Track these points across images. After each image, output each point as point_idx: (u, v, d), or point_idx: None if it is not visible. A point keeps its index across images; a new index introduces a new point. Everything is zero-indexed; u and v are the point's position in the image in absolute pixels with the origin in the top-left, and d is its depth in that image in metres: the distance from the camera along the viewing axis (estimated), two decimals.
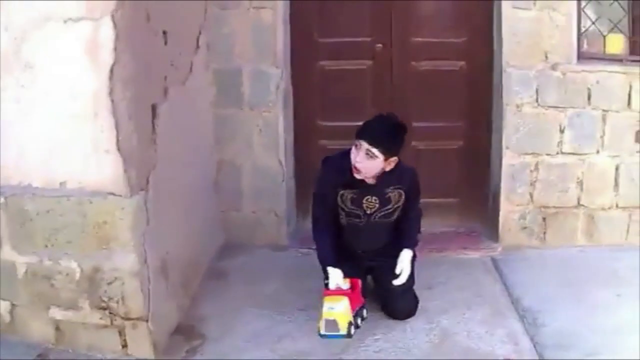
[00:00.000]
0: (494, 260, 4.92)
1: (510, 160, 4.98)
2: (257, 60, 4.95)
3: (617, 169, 4.99)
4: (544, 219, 5.09)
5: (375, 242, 4.17)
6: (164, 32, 3.84)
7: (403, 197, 4.07)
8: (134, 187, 3.44)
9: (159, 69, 3.84)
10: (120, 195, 3.40)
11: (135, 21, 3.42)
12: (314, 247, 4.20)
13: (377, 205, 4.04)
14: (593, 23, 4.96)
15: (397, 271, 4.05)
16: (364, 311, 4.06)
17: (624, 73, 4.86)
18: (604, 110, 4.90)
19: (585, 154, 4.97)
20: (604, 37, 4.99)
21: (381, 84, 5.25)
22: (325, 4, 5.16)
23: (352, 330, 3.90)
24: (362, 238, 4.14)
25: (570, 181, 5.02)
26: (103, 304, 3.56)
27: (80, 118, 3.34)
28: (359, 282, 4.07)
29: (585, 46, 5.00)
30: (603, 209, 5.07)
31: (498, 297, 4.37)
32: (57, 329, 3.69)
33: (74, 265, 3.52)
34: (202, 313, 4.18)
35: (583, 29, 4.95)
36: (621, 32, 5.00)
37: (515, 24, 4.80)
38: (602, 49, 5.03)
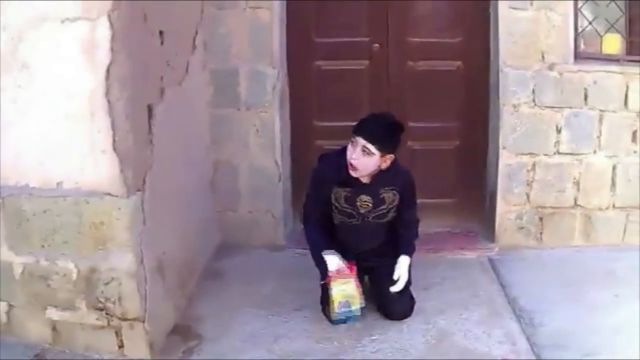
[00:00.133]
0: (490, 261, 4.92)
1: (507, 160, 4.98)
2: (254, 60, 4.94)
3: (614, 169, 4.99)
4: (540, 219, 5.09)
5: (369, 242, 4.18)
6: (161, 32, 3.83)
7: (397, 198, 4.07)
8: (131, 188, 3.43)
9: (156, 69, 3.83)
10: (117, 196, 3.39)
11: (132, 21, 3.41)
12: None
13: (370, 205, 4.04)
14: (590, 23, 4.95)
15: (395, 277, 4.06)
16: (362, 298, 4.07)
17: (620, 73, 4.86)
18: (601, 111, 4.90)
19: (582, 154, 4.97)
20: (601, 37, 4.98)
21: (378, 84, 5.25)
22: (322, 3, 5.16)
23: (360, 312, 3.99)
24: (356, 238, 4.14)
25: (567, 181, 5.02)
26: (100, 305, 3.55)
27: (77, 118, 3.34)
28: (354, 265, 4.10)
29: (582, 46, 4.99)
30: (600, 209, 5.07)
31: (495, 298, 4.37)
32: (54, 329, 3.68)
33: (70, 265, 3.52)
34: (198, 313, 4.18)
35: (580, 29, 4.94)
36: (618, 32, 4.99)
37: (512, 24, 4.80)
38: (599, 49, 5.02)
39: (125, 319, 3.57)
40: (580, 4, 4.91)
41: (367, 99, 5.22)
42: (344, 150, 3.90)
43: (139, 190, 3.52)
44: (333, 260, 4.05)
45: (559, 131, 4.93)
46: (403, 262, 4.10)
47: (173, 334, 3.94)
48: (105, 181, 3.38)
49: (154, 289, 3.66)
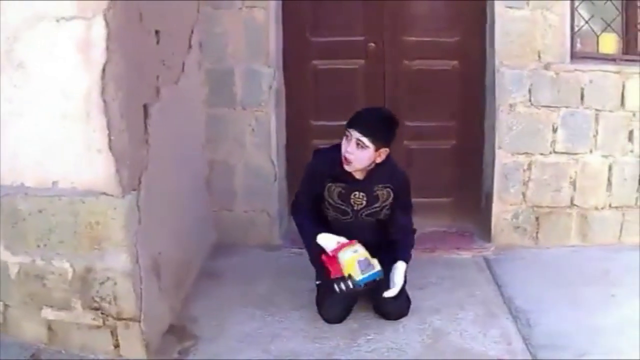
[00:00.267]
0: (486, 260, 4.92)
1: (503, 159, 4.98)
2: (250, 60, 4.94)
3: (610, 168, 5.00)
4: (537, 218, 5.09)
5: (363, 240, 4.16)
6: (156, 32, 3.82)
7: (391, 196, 4.05)
8: (126, 187, 3.42)
9: (151, 68, 3.82)
10: (113, 195, 3.38)
11: (128, 20, 3.40)
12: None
13: (364, 202, 4.03)
14: (586, 22, 4.96)
15: (391, 284, 4.00)
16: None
17: (617, 72, 4.86)
18: (597, 110, 4.91)
19: (579, 153, 4.97)
20: (598, 36, 4.99)
21: (374, 83, 5.25)
22: (317, 3, 5.17)
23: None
24: (349, 236, 4.10)
25: (563, 181, 5.02)
26: (95, 304, 3.54)
27: (73, 118, 3.32)
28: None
29: (578, 46, 5.01)
30: (596, 208, 5.07)
31: (491, 297, 4.37)
32: (50, 329, 3.67)
33: (66, 265, 3.50)
34: (194, 313, 4.17)
35: (576, 29, 4.95)
36: (614, 31, 5.00)
37: (508, 24, 4.80)
38: (596, 48, 5.04)
39: (121, 319, 3.56)
40: (576, 3, 4.93)
41: (363, 98, 5.20)
42: (338, 145, 3.89)
43: (134, 189, 3.51)
44: (331, 239, 3.95)
45: (555, 131, 4.93)
46: (400, 267, 4.05)
47: (169, 333, 3.92)
48: (101, 181, 3.37)
49: (149, 289, 3.65)
